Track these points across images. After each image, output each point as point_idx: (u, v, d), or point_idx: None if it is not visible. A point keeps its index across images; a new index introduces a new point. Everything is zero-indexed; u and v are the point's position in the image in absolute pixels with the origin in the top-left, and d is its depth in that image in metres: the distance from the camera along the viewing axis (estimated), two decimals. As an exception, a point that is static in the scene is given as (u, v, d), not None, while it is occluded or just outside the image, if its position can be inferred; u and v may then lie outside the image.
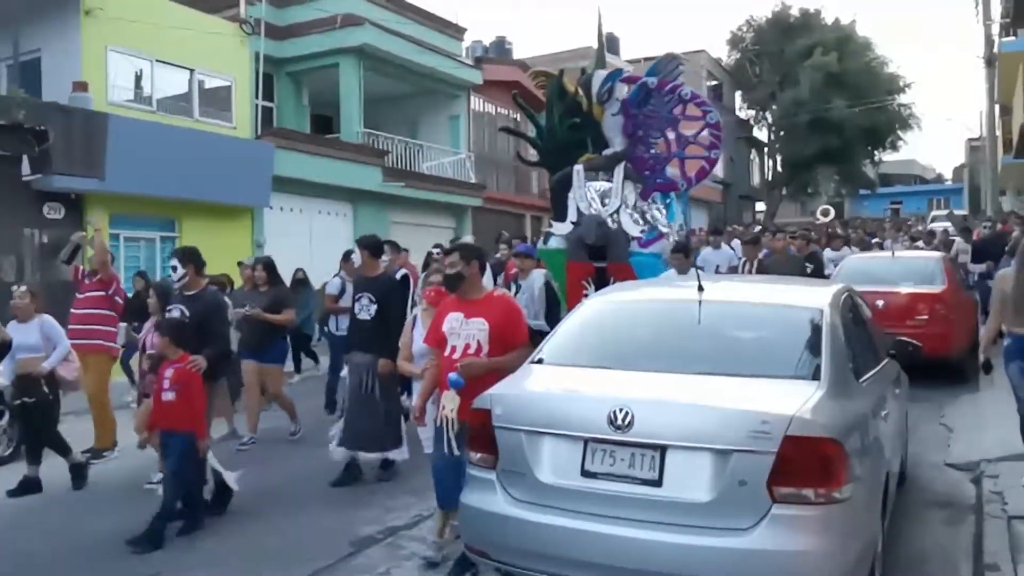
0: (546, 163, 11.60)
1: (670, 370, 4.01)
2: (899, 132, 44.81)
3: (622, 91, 10.16)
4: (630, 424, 3.59)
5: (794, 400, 3.56)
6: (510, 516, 3.82)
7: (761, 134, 49.69)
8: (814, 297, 4.63)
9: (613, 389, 3.86)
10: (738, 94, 48.52)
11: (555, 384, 4.20)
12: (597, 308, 4.98)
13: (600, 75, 10.42)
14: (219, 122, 17.45)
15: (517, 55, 34.29)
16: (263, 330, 8.71)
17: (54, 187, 13.65)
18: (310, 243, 18.54)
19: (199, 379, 5.98)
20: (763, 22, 45.74)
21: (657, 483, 3.55)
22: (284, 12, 20.83)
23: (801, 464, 3.37)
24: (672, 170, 10.69)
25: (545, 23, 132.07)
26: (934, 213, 34.06)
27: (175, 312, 6.36)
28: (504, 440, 3.91)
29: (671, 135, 10.10)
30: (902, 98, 43.88)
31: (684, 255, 9.07)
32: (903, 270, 10.94)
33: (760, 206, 49.84)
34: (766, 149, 49.16)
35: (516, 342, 4.80)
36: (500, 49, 35.24)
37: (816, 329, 4.13)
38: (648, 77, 10.08)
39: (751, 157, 51.06)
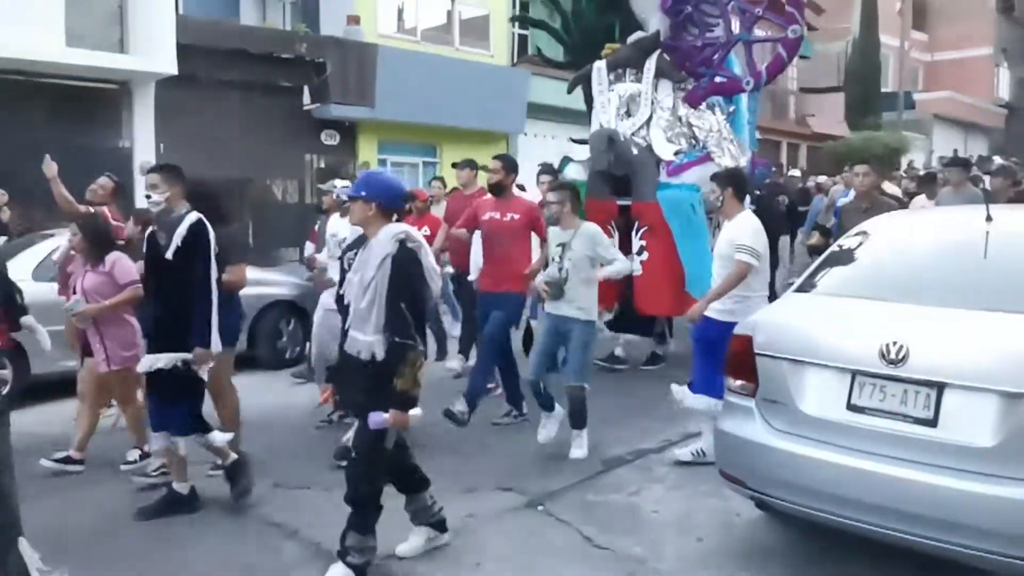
0: (573, 60, 9.21)
1: (951, 304, 3.69)
2: None
3: None
4: (904, 359, 3.39)
5: (1102, 344, 3.19)
6: (769, 446, 3.75)
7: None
8: None
9: (886, 321, 3.63)
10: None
11: (823, 313, 4.01)
12: (869, 236, 4.69)
13: None
14: (478, 51, 17.99)
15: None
16: None
17: (331, 115, 14.74)
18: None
19: None
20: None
21: (932, 423, 3.34)
22: (541, -62, 20.90)
23: (1109, 415, 3.04)
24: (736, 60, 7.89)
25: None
26: None
27: None
28: (765, 368, 3.82)
29: (731, 9, 7.39)
30: None
31: (731, 185, 5.41)
32: None
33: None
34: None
35: None
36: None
37: None
38: None
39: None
